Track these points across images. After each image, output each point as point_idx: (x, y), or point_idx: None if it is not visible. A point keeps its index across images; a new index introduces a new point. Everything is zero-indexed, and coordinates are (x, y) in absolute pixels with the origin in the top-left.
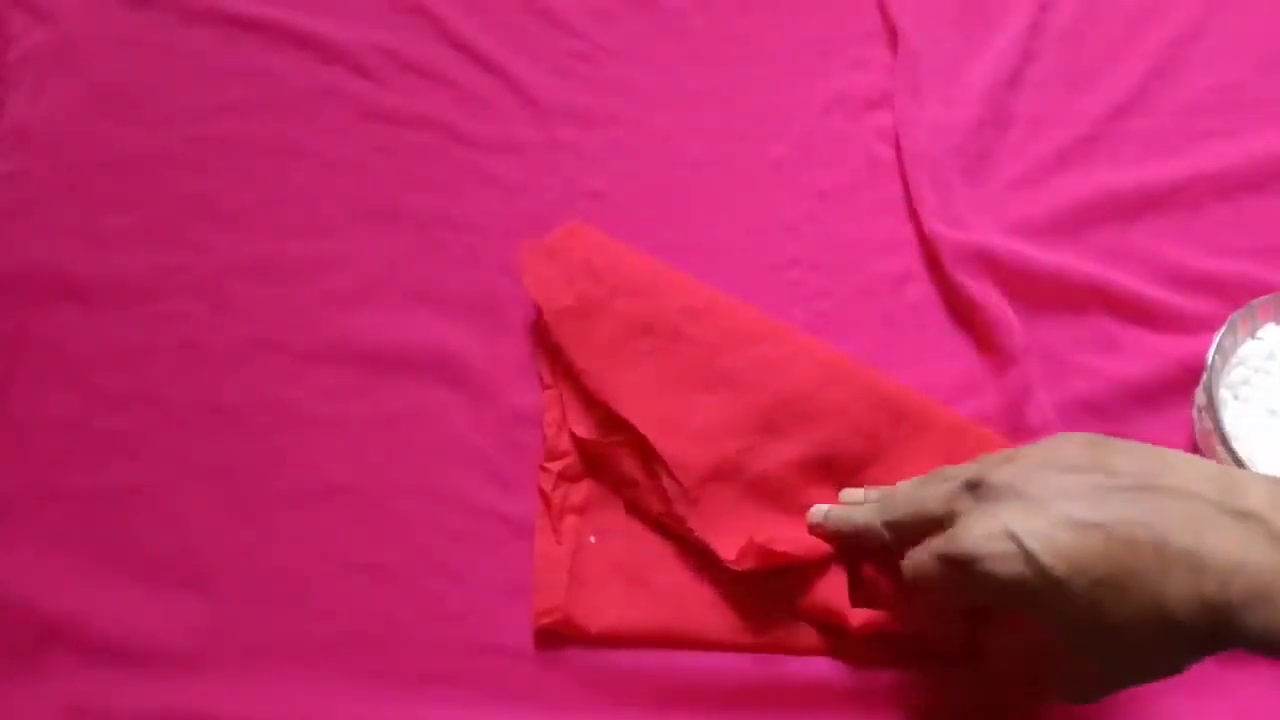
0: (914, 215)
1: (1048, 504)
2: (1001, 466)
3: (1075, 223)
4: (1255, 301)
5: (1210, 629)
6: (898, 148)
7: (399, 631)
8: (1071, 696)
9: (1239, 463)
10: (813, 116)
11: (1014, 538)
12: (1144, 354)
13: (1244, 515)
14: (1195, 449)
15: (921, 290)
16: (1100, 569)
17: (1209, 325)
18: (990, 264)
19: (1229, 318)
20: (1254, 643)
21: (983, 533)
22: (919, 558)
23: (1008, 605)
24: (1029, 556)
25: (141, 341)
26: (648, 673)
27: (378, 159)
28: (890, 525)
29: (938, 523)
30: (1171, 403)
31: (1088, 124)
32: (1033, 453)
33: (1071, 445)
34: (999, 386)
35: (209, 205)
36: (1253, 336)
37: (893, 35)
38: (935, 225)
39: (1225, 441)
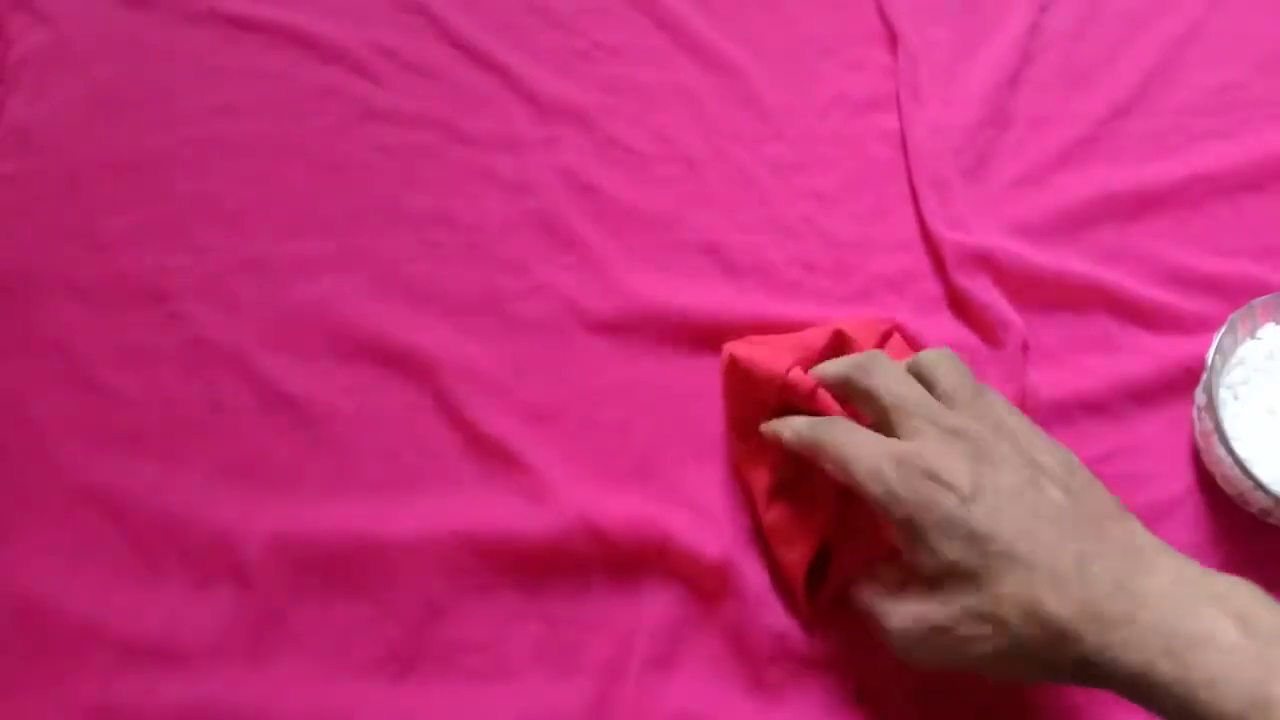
0: (914, 216)
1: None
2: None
3: (1075, 223)
4: (1255, 301)
5: (1076, 645)
6: (900, 148)
7: (433, 618)
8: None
9: (1239, 463)
10: (811, 117)
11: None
12: (1144, 354)
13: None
14: (1195, 449)
15: (921, 291)
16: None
17: (1209, 325)
18: (990, 264)
19: (1229, 318)
20: (1110, 675)
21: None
22: (871, 448)
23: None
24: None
25: (149, 342)
26: None
27: (378, 158)
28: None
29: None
30: (1171, 403)
31: (1088, 124)
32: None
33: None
34: (998, 388)
35: (210, 206)
36: (1253, 336)
37: (891, 36)
38: (936, 226)
39: (1225, 441)
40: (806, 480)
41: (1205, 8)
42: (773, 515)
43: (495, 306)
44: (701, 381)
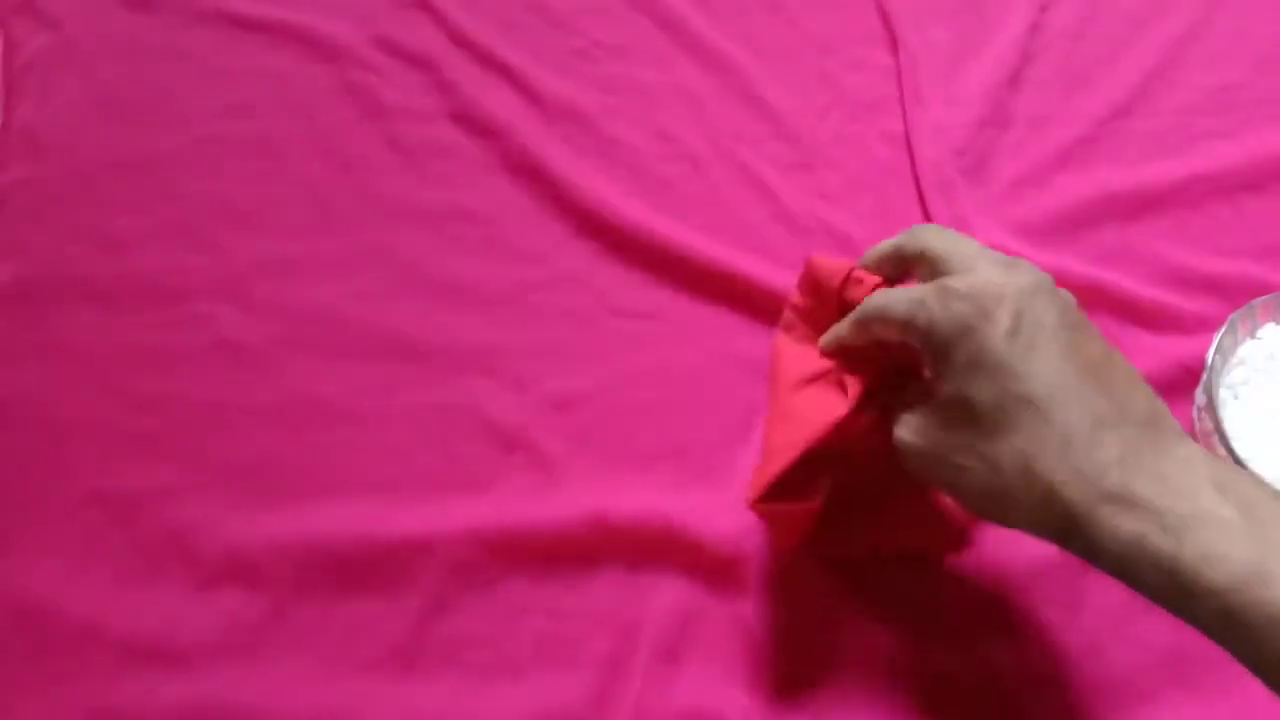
0: (916, 216)
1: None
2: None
3: (1075, 223)
4: (1255, 301)
5: (1065, 507)
6: (902, 149)
7: (437, 614)
8: (910, 461)
9: (1239, 463)
10: (813, 117)
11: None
12: (1144, 354)
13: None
14: None
15: None
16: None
17: (1209, 325)
18: None
19: (1229, 318)
20: (1096, 543)
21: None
22: (897, 295)
23: (942, 349)
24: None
25: (168, 343)
26: None
27: (387, 154)
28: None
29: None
30: (1171, 403)
31: (1088, 124)
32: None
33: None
34: None
35: (223, 206)
36: (1253, 336)
37: (892, 36)
38: (942, 226)
39: (1225, 441)
40: (841, 383)
41: (1205, 8)
42: (800, 399)
43: (516, 296)
44: (722, 369)
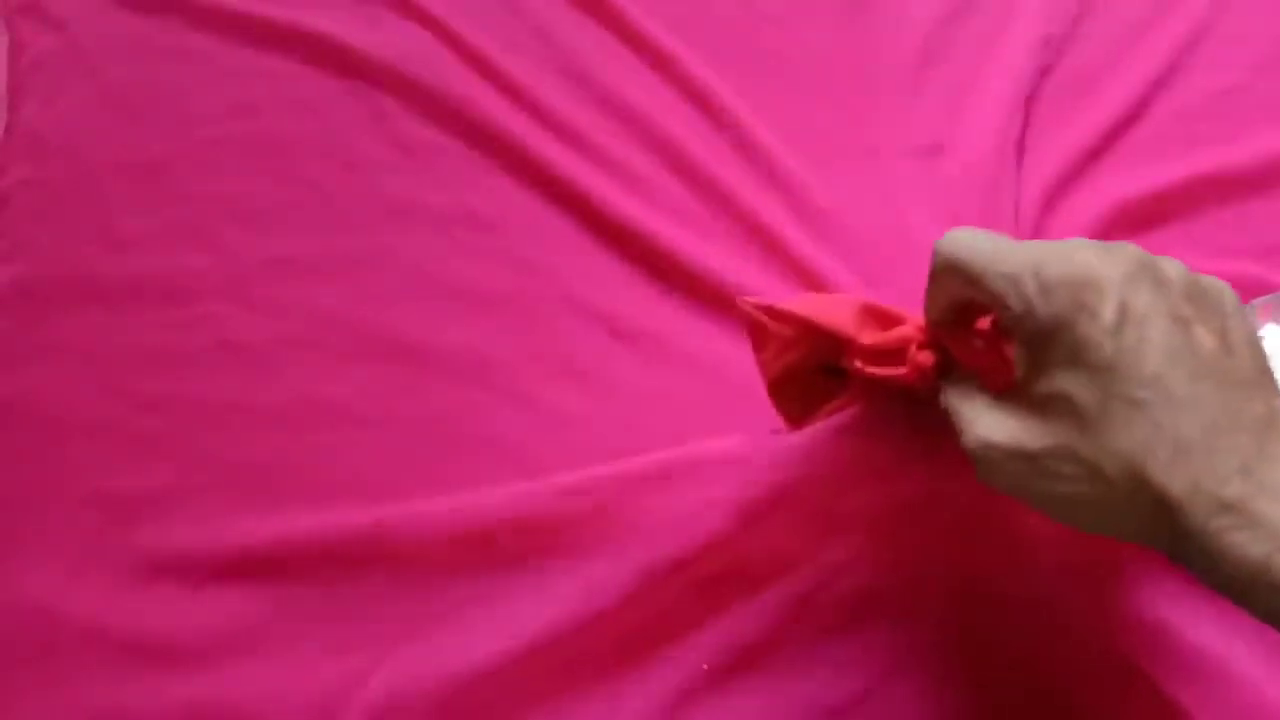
0: (929, 232)
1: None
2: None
3: (1078, 229)
4: (1255, 301)
5: (1178, 521)
6: (903, 171)
7: (442, 625)
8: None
9: None
10: (816, 125)
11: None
12: None
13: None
14: None
15: None
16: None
17: None
18: None
19: None
20: (1213, 562)
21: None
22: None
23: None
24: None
25: (171, 343)
26: None
27: (393, 157)
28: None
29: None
30: None
31: (1092, 132)
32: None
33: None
34: None
35: (228, 206)
36: None
37: (892, 51)
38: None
39: None
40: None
41: (1206, 11)
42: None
43: (521, 302)
44: (725, 379)
